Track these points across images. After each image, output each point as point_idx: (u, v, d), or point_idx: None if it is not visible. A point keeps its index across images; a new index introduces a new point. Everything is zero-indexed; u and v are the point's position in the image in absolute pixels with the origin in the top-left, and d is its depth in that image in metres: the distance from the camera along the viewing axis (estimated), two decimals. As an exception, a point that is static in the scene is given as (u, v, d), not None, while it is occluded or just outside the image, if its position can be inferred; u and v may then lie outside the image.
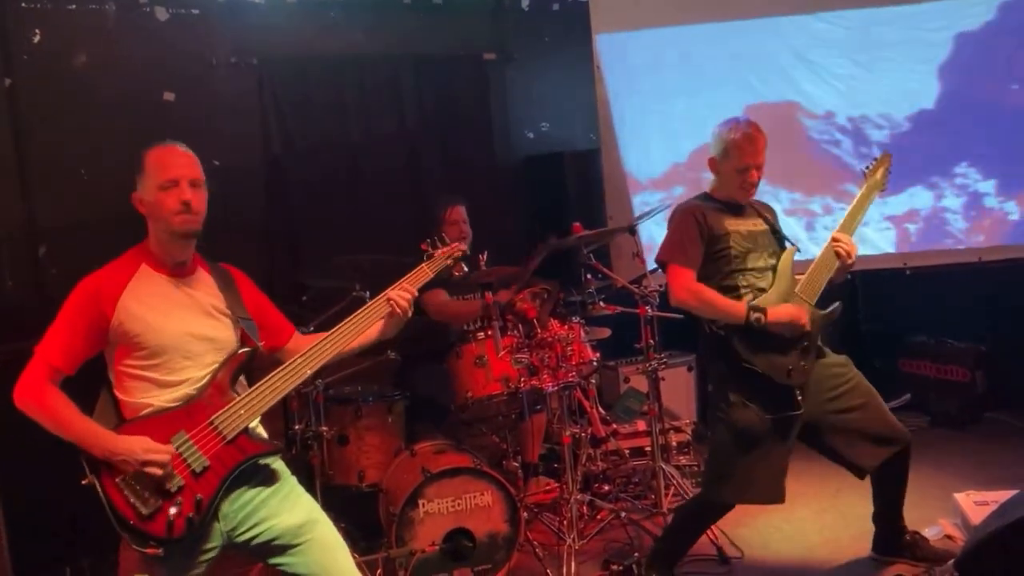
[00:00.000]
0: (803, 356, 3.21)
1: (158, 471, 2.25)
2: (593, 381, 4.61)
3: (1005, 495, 3.02)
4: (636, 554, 3.70)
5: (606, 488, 4.49)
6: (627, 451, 4.74)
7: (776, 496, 3.27)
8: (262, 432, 2.52)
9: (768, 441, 3.21)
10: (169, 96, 4.83)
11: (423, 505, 3.51)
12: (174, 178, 2.42)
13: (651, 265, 4.54)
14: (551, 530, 4.05)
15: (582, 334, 4.25)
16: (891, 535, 3.53)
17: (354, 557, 3.27)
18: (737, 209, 3.37)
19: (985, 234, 5.51)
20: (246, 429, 2.40)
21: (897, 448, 3.30)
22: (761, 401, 3.19)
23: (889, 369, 5.70)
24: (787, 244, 3.41)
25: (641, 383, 4.67)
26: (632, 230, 4.48)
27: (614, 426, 4.74)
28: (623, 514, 4.06)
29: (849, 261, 3.28)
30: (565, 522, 3.89)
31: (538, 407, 4.30)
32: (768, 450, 3.22)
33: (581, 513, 4.06)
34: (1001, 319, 5.47)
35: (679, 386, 5.28)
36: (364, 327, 2.58)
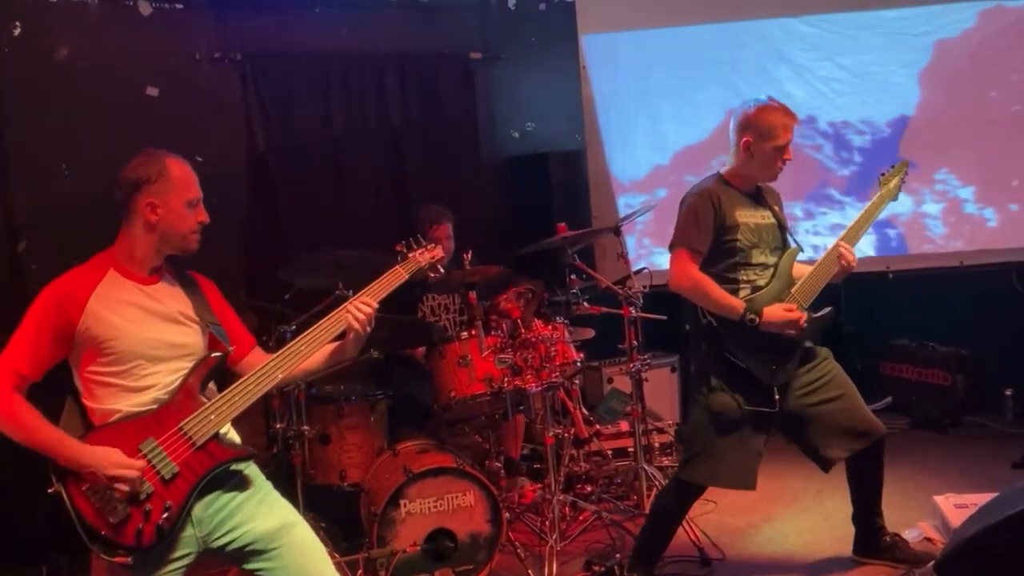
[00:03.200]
0: (789, 358, 3.24)
1: (126, 487, 2.21)
2: (576, 382, 4.61)
3: (985, 498, 3.03)
4: (618, 555, 3.69)
5: (588, 489, 4.49)
6: (610, 452, 4.75)
7: (747, 482, 3.30)
8: (234, 436, 2.49)
9: (743, 428, 3.25)
10: (152, 91, 4.80)
11: (405, 505, 3.50)
12: (200, 197, 2.44)
13: (636, 266, 4.55)
14: (533, 530, 4.05)
15: (566, 334, 4.25)
16: (871, 536, 3.54)
17: (335, 557, 3.28)
18: (751, 197, 3.36)
19: (964, 239, 5.55)
20: (216, 435, 2.36)
21: (870, 441, 3.32)
22: (740, 392, 3.23)
23: (871, 372, 5.73)
24: (791, 239, 3.42)
25: (624, 384, 4.68)
26: (617, 231, 4.49)
27: (597, 427, 4.74)
28: (605, 515, 4.06)
29: (851, 268, 3.31)
30: (547, 523, 3.89)
31: (520, 407, 4.30)
32: (742, 436, 3.25)
33: (563, 514, 4.06)
34: (982, 323, 5.51)
35: (662, 387, 5.28)
36: (327, 337, 2.50)
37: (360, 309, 2.51)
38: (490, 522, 3.61)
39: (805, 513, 4.18)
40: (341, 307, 2.53)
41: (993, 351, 5.41)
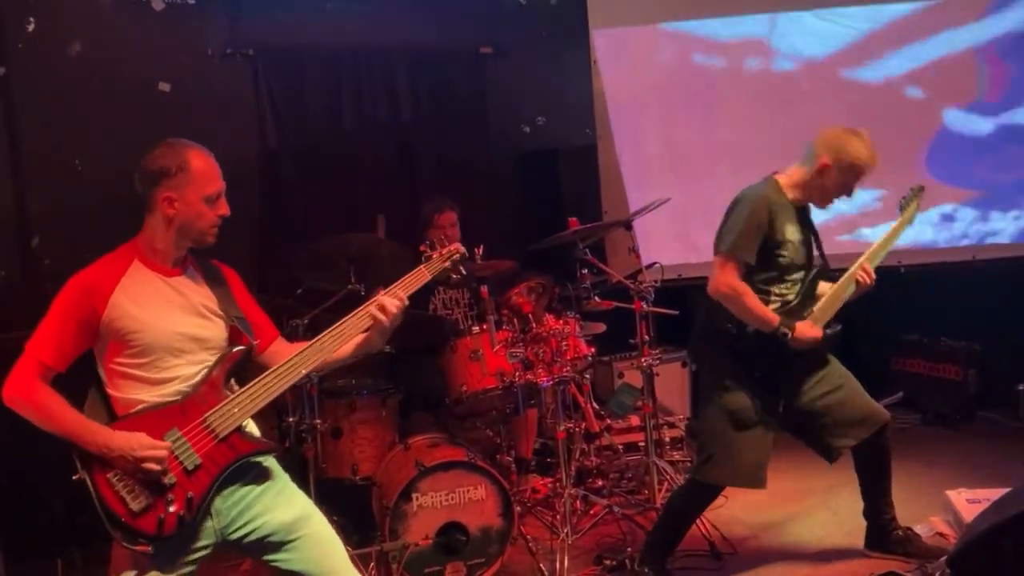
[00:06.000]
0: (792, 372, 3.31)
1: (155, 467, 2.23)
2: (587, 376, 4.61)
3: (997, 493, 3.03)
4: (629, 549, 3.70)
5: (599, 483, 4.50)
6: (621, 446, 4.75)
7: (759, 481, 3.33)
8: (254, 430, 2.50)
9: (756, 427, 3.28)
10: (164, 86, 4.82)
11: (416, 499, 3.51)
12: (221, 190, 2.43)
13: (646, 260, 4.55)
14: (544, 525, 4.06)
15: (577, 329, 4.26)
16: (882, 530, 3.55)
17: (347, 550, 3.28)
18: (800, 212, 3.34)
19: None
20: (239, 428, 2.38)
21: (873, 428, 3.37)
22: (753, 393, 3.27)
23: (882, 367, 5.72)
24: (817, 255, 3.41)
25: (635, 378, 4.67)
26: (628, 225, 4.49)
27: (608, 421, 4.74)
28: (616, 509, 4.06)
29: (867, 288, 3.36)
30: (558, 517, 3.89)
31: (531, 402, 4.31)
32: (755, 436, 3.28)
33: (574, 508, 4.06)
34: (994, 318, 5.48)
35: (673, 382, 5.28)
36: (352, 332, 2.52)
37: (389, 304, 2.52)
38: (501, 516, 3.62)
39: (816, 508, 4.17)
40: (367, 303, 2.54)
41: (1005, 346, 5.38)
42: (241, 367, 2.48)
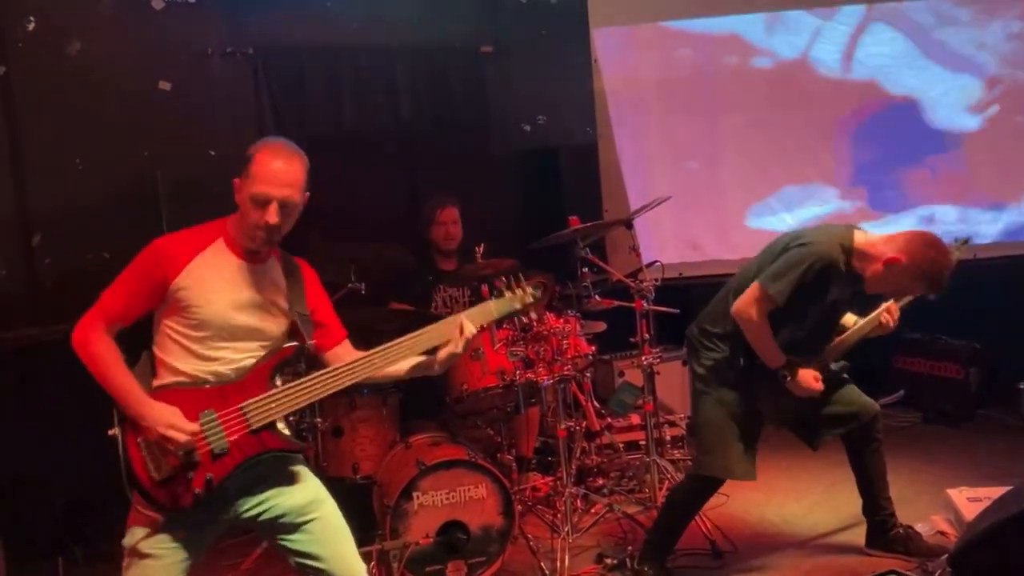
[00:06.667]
0: (788, 403, 3.35)
1: (172, 448, 2.26)
2: (588, 375, 4.61)
3: (998, 491, 3.03)
4: (629, 548, 3.70)
5: (600, 482, 4.50)
6: (621, 445, 4.75)
7: (751, 475, 3.36)
8: (284, 428, 2.50)
9: (750, 422, 3.34)
10: (165, 85, 4.81)
11: (417, 497, 3.51)
12: (267, 197, 2.36)
13: (647, 259, 4.55)
14: (545, 523, 4.06)
15: (577, 328, 4.26)
16: (882, 528, 3.56)
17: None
18: (855, 279, 3.25)
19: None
20: (272, 424, 2.39)
21: (861, 421, 3.43)
22: (747, 391, 3.34)
23: (883, 365, 5.71)
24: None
25: (636, 377, 4.67)
26: (629, 224, 4.49)
27: (608, 420, 4.74)
28: (617, 508, 4.07)
29: (889, 329, 3.39)
30: (559, 515, 3.90)
31: (532, 400, 4.30)
32: (748, 431, 3.34)
33: (575, 507, 4.06)
34: (996, 317, 5.46)
35: (674, 380, 5.27)
36: (407, 353, 2.51)
37: (467, 325, 2.53)
38: (502, 515, 3.62)
39: (817, 507, 4.17)
40: (443, 321, 2.53)
41: (1006, 345, 5.37)
42: (291, 364, 2.50)
